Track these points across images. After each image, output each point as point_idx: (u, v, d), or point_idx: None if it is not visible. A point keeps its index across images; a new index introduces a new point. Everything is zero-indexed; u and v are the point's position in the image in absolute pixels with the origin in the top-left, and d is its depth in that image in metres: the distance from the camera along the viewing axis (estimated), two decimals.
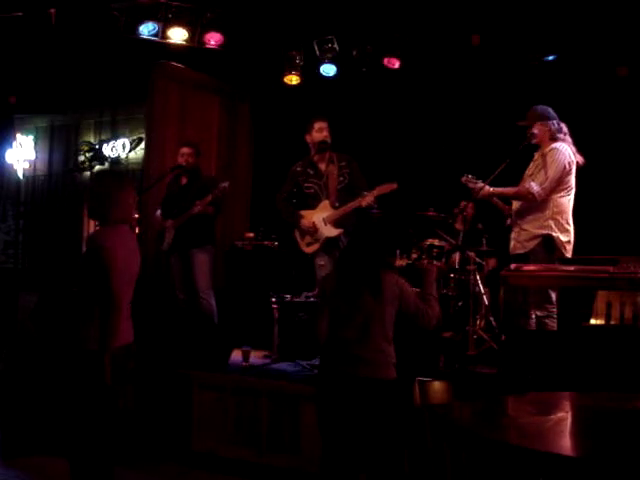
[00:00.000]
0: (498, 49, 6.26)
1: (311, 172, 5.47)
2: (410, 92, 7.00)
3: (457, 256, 5.85)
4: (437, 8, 6.20)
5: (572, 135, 4.88)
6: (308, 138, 5.51)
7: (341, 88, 7.09)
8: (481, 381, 4.49)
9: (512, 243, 4.93)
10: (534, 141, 4.88)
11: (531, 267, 4.49)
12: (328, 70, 6.91)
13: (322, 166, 5.47)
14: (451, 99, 6.85)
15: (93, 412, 3.16)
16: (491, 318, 5.64)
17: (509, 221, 5.07)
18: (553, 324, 4.71)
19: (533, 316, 4.74)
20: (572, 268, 4.32)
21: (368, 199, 5.21)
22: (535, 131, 4.84)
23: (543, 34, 6.09)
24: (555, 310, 4.74)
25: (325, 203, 5.41)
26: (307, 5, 6.46)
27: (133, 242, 3.43)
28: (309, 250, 5.46)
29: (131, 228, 3.47)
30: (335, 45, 6.75)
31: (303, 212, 5.46)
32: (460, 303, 5.75)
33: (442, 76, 6.69)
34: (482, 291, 5.61)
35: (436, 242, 5.72)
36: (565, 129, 4.84)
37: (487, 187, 4.85)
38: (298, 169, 5.52)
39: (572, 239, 4.79)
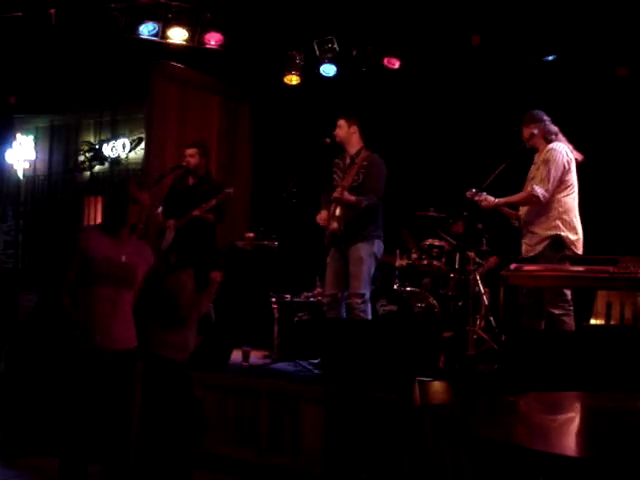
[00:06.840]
0: (498, 49, 6.26)
1: (341, 164, 5.46)
2: (410, 92, 7.00)
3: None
4: (437, 8, 6.21)
5: (569, 134, 4.90)
6: None
7: (341, 88, 7.09)
8: (481, 381, 4.49)
9: (524, 247, 4.92)
10: (529, 145, 4.92)
11: (531, 267, 4.49)
12: (328, 70, 6.91)
13: (348, 161, 5.45)
14: (451, 99, 6.85)
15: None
16: (491, 318, 5.64)
17: (516, 223, 5.07)
18: (571, 322, 4.69)
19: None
20: (572, 268, 4.32)
21: (343, 194, 5.17)
22: (530, 134, 4.86)
23: (543, 34, 6.09)
24: (572, 307, 4.72)
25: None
26: (307, 5, 6.46)
27: None
28: (326, 242, 5.43)
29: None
30: (335, 45, 6.76)
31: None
32: (460, 303, 5.75)
33: (442, 76, 6.69)
34: (482, 291, 5.61)
35: (436, 242, 5.72)
36: (557, 129, 4.87)
37: (491, 198, 4.87)
38: (336, 160, 5.52)
39: (581, 237, 4.80)
